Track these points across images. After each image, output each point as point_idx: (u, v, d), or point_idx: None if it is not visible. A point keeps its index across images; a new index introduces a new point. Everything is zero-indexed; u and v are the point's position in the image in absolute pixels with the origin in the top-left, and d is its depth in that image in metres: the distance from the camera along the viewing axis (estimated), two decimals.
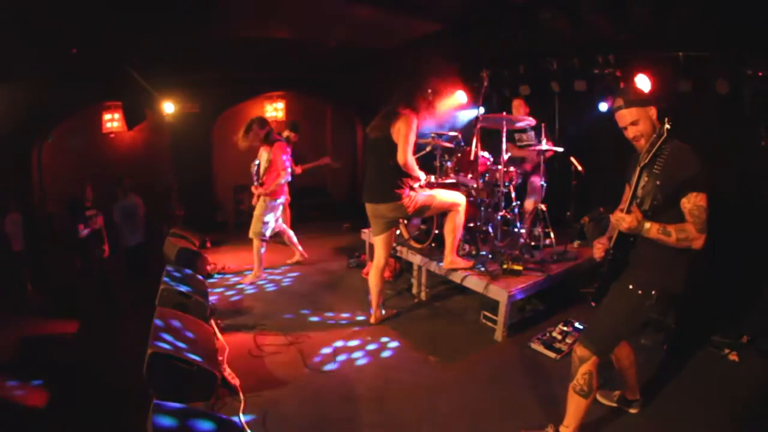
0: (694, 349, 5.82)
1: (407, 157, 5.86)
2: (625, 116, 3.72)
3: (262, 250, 8.04)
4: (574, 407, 3.98)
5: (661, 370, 5.38)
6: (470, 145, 7.33)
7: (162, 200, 11.96)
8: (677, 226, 3.48)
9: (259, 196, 7.95)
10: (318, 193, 7.82)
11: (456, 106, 9.51)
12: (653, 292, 3.71)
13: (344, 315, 6.99)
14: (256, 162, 8.02)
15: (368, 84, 12.06)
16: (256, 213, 7.71)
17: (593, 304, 4.09)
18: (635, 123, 3.69)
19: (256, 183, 7.96)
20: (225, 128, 12.88)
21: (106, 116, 11.77)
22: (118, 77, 9.84)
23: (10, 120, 9.33)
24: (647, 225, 3.48)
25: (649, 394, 4.81)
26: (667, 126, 3.46)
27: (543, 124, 7.62)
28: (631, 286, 3.76)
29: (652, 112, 3.70)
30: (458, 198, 6.47)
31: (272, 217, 7.76)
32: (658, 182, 3.59)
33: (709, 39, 6.33)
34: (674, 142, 3.57)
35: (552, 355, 5.78)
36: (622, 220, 3.50)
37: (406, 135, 5.83)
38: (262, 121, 7.82)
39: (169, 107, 11.05)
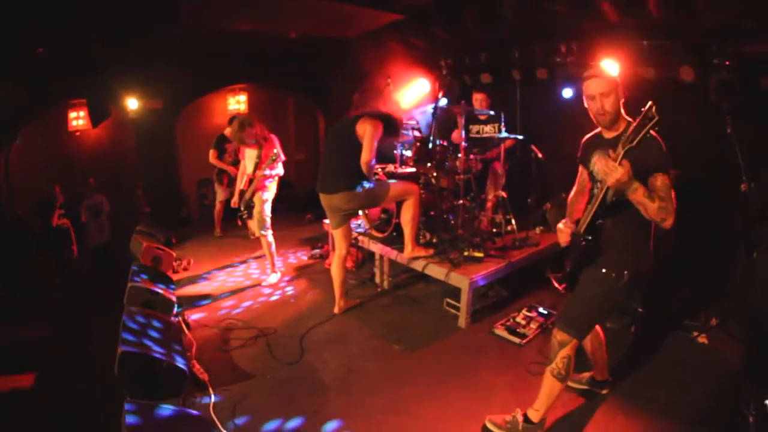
0: (663, 332, 5.93)
1: (371, 157, 5.92)
2: (597, 85, 3.67)
3: (272, 246, 8.00)
4: (548, 390, 4.03)
5: (630, 352, 5.50)
6: (429, 133, 7.40)
7: (128, 197, 11.91)
8: (658, 196, 3.44)
9: (242, 194, 7.89)
10: (281, 183, 7.84)
11: (415, 95, 9.56)
12: (625, 272, 3.77)
13: (309, 306, 7.06)
14: (247, 163, 7.93)
15: (330, 75, 12.09)
16: (256, 210, 7.64)
17: (561, 288, 4.17)
18: (606, 94, 3.65)
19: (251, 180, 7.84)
20: (188, 122, 12.86)
21: (72, 114, 11.64)
22: (82, 74, 9.80)
23: None
24: (635, 185, 3.40)
25: (618, 375, 4.92)
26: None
27: (502, 114, 7.70)
28: (604, 270, 3.81)
29: (621, 91, 3.71)
30: (411, 187, 6.54)
31: (269, 208, 7.73)
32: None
33: (673, 27, 6.42)
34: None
35: (516, 340, 5.87)
36: (614, 170, 3.35)
37: (372, 136, 5.90)
38: (251, 121, 7.72)
39: (132, 103, 11.01)
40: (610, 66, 7.05)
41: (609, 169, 3.37)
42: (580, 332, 3.93)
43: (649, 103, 3.22)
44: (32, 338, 7.07)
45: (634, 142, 3.31)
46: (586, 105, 3.84)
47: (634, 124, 3.29)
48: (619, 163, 3.34)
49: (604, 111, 3.70)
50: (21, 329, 7.58)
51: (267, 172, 7.48)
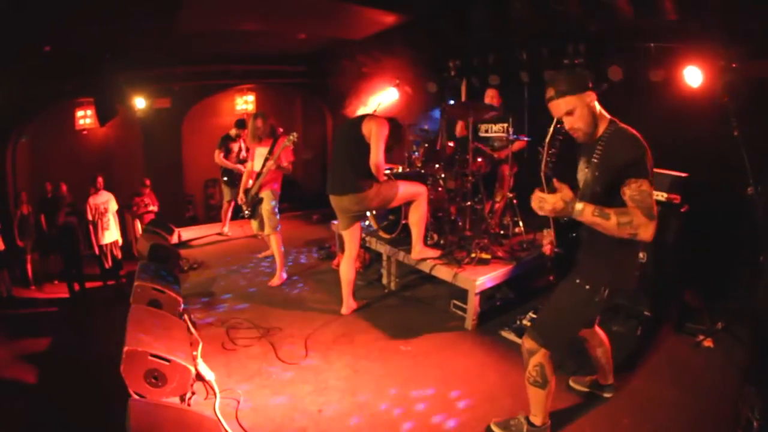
0: (669, 335, 5.91)
1: (379, 157, 5.91)
2: (559, 106, 3.45)
3: (281, 246, 7.94)
4: (533, 398, 3.99)
5: (635, 355, 5.45)
6: (437, 134, 7.39)
7: (135, 196, 11.93)
8: (619, 209, 3.20)
9: (247, 192, 7.87)
10: (288, 183, 7.84)
11: (423, 96, 9.55)
12: (604, 289, 3.58)
13: (315, 306, 7.03)
14: (252, 163, 7.92)
15: (338, 75, 12.09)
16: (265, 209, 7.60)
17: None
18: (570, 113, 3.43)
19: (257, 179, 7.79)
20: (195, 122, 12.90)
21: (79, 113, 11.69)
22: (90, 73, 9.81)
23: None
24: (579, 206, 3.20)
25: (623, 379, 4.89)
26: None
27: (510, 115, 7.68)
28: (578, 280, 3.66)
29: (590, 98, 3.43)
30: (419, 188, 6.53)
31: (277, 206, 7.71)
32: (596, 173, 3.44)
33: (681, 30, 6.40)
34: (615, 125, 3.47)
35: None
36: (543, 201, 3.25)
37: (379, 136, 5.89)
38: (264, 116, 7.70)
39: (140, 102, 11.02)
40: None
41: (537, 199, 3.30)
42: (546, 341, 3.78)
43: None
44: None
45: (589, 150, 3.36)
46: None
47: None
48: (548, 190, 3.25)
49: (573, 129, 3.51)
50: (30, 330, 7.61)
51: (280, 166, 7.49)
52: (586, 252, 3.67)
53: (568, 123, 3.49)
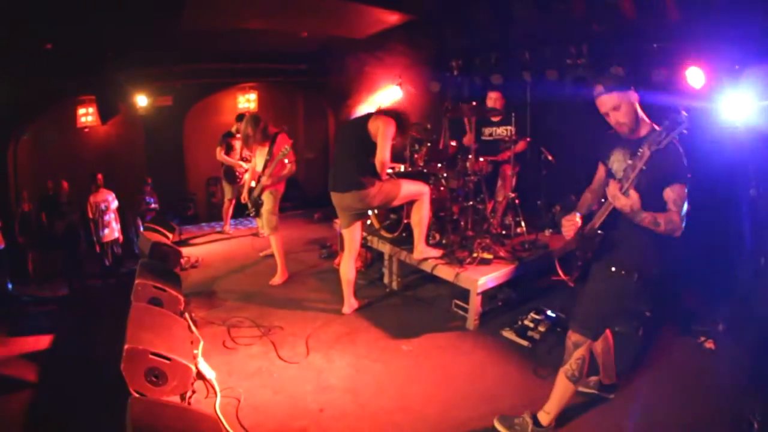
0: (670, 336, 5.90)
1: (385, 155, 5.91)
2: (607, 102, 3.68)
3: (281, 245, 7.89)
4: (561, 392, 4.03)
5: (637, 356, 5.43)
6: (440, 134, 7.38)
7: (136, 194, 11.92)
8: (666, 215, 3.48)
9: (251, 192, 7.85)
10: (290, 182, 7.83)
11: (426, 95, 9.55)
12: (635, 273, 3.74)
13: (317, 305, 7.02)
14: (257, 162, 7.89)
15: (340, 74, 12.08)
16: (265, 209, 7.62)
17: (571, 284, 4.15)
18: (616, 108, 3.66)
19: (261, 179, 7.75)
20: (197, 120, 12.90)
21: (81, 111, 11.67)
22: (92, 71, 9.81)
23: None
24: (643, 214, 3.47)
25: (624, 380, 4.88)
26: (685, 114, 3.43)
27: (513, 115, 7.67)
28: (613, 268, 3.79)
29: (634, 97, 3.68)
30: (422, 188, 6.51)
31: (277, 209, 7.70)
32: (644, 168, 3.47)
33: (684, 30, 6.39)
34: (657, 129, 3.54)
35: (524, 343, 5.83)
36: (618, 199, 3.50)
37: (385, 134, 5.88)
38: (257, 119, 7.69)
39: (142, 100, 11.02)
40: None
41: (615, 196, 3.51)
42: (593, 332, 3.92)
43: (683, 112, 3.21)
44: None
45: (661, 145, 3.34)
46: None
47: (659, 131, 3.30)
48: (625, 193, 3.45)
49: (619, 123, 3.71)
50: (28, 324, 7.60)
51: (275, 177, 7.48)
52: (619, 241, 3.81)
53: (614, 117, 3.72)
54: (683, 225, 3.49)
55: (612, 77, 3.69)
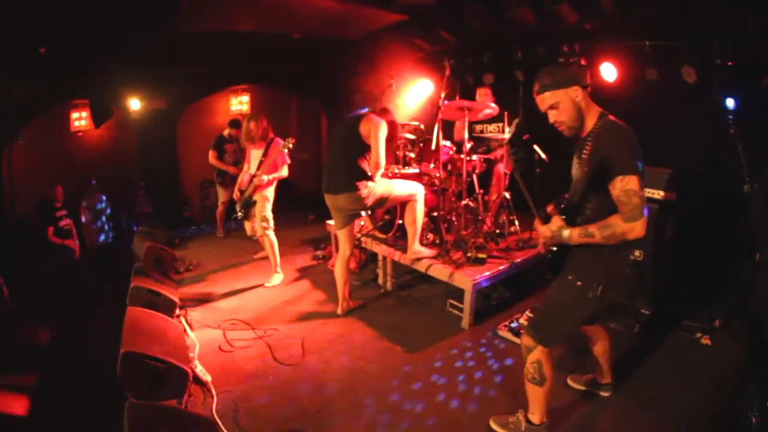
0: (666, 332, 5.92)
1: (381, 157, 5.94)
2: (544, 100, 3.56)
3: (275, 247, 7.93)
4: (531, 395, 4.01)
5: (633, 353, 5.47)
6: (432, 134, 7.40)
7: (130, 198, 11.91)
8: (600, 224, 3.31)
9: (242, 192, 7.85)
10: (283, 183, 7.84)
11: (418, 96, 9.55)
12: (597, 285, 3.57)
13: (311, 307, 7.05)
14: (248, 166, 7.89)
15: (333, 75, 12.08)
16: (258, 210, 7.60)
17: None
18: (554, 107, 3.52)
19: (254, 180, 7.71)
20: (190, 123, 12.85)
21: (74, 114, 11.60)
22: (85, 75, 9.79)
23: None
24: (566, 233, 3.40)
25: (620, 377, 4.90)
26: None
27: (506, 113, 7.69)
28: (570, 277, 3.67)
29: (575, 93, 3.48)
30: (416, 188, 6.54)
31: (270, 208, 7.70)
32: (586, 169, 3.45)
33: (676, 28, 6.41)
34: (604, 119, 3.49)
35: (519, 341, 5.84)
36: (539, 230, 3.51)
37: (378, 135, 5.91)
38: (261, 117, 7.69)
39: (135, 104, 11.00)
40: (608, 70, 7.08)
41: (536, 227, 3.54)
42: (542, 337, 3.82)
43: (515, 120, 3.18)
44: (33, 339, 7.08)
45: (578, 146, 3.47)
46: None
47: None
48: (545, 218, 3.47)
49: (557, 122, 3.60)
50: (22, 330, 7.57)
51: (271, 176, 7.50)
52: (578, 249, 3.61)
53: (552, 117, 3.59)
54: (638, 222, 3.24)
55: (550, 74, 3.52)
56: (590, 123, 3.53)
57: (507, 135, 7.56)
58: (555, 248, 3.71)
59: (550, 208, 3.56)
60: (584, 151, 3.47)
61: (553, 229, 3.41)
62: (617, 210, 3.29)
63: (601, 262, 3.56)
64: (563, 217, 3.51)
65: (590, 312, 3.81)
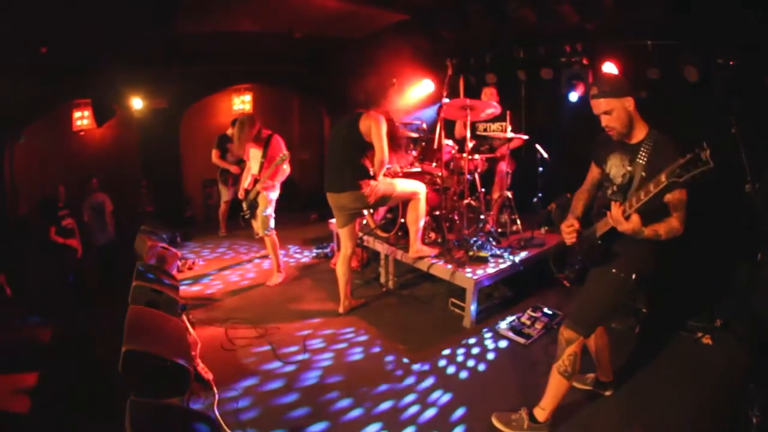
0: (667, 332, 5.93)
1: (385, 154, 5.95)
2: (600, 105, 3.70)
3: (277, 246, 7.95)
4: (555, 388, 4.08)
5: (634, 353, 5.48)
6: (434, 133, 7.40)
7: (132, 197, 11.91)
8: (665, 225, 3.53)
9: (247, 193, 7.87)
10: (285, 183, 7.86)
11: (421, 95, 9.55)
12: (633, 275, 3.81)
13: (313, 306, 7.05)
14: (252, 165, 7.88)
15: (335, 75, 12.08)
16: (260, 210, 7.63)
17: (567, 284, 4.25)
18: (608, 113, 3.68)
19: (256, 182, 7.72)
20: (193, 122, 12.84)
21: (76, 114, 11.57)
22: (87, 74, 9.79)
23: None
24: (645, 232, 3.50)
25: (622, 376, 4.92)
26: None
27: (508, 113, 7.69)
28: (614, 270, 3.83)
29: (629, 103, 3.67)
30: (418, 187, 6.55)
31: (272, 209, 7.71)
32: (644, 173, 3.58)
33: (678, 27, 6.40)
34: (656, 133, 3.68)
35: (521, 340, 5.87)
36: (620, 223, 3.51)
37: (380, 132, 5.92)
38: (252, 120, 7.69)
39: (137, 103, 10.99)
40: (610, 69, 7.06)
41: (617, 221, 3.50)
42: (587, 330, 3.96)
43: (705, 146, 3.20)
44: (36, 338, 7.09)
45: (635, 153, 3.56)
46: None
47: (680, 162, 3.22)
48: (627, 217, 3.46)
49: (609, 127, 3.74)
50: (25, 329, 7.58)
51: (273, 182, 7.51)
52: (622, 245, 3.80)
53: (605, 121, 3.74)
54: (682, 230, 3.54)
55: (608, 82, 3.66)
56: (640, 133, 3.74)
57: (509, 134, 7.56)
58: (600, 242, 3.86)
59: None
60: (640, 157, 3.63)
61: (636, 227, 3.48)
62: (663, 211, 3.56)
63: (642, 255, 3.82)
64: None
65: (624, 300, 4.14)
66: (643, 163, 3.61)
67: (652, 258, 3.86)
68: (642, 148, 3.64)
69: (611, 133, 3.78)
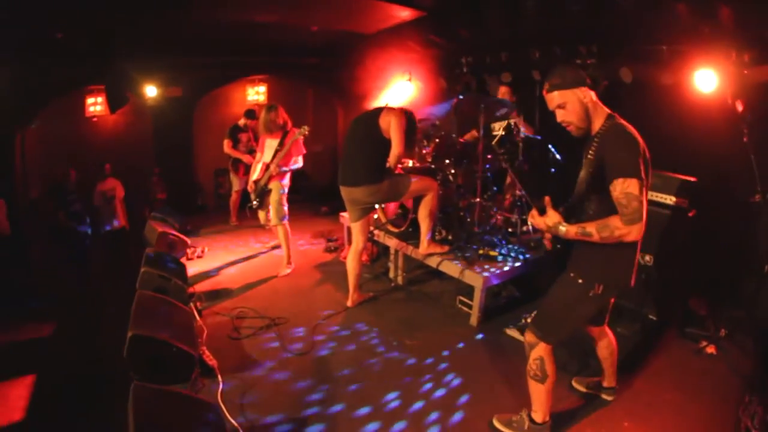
0: (672, 340, 5.89)
1: (401, 149, 5.94)
2: (553, 99, 3.58)
3: (288, 237, 7.96)
4: (533, 392, 4.04)
5: (638, 359, 5.45)
6: (447, 130, 7.38)
7: (143, 184, 11.94)
8: (598, 223, 3.34)
9: (257, 182, 7.90)
10: (297, 175, 7.88)
11: (435, 92, 9.55)
12: (597, 285, 3.62)
13: (321, 298, 7.08)
14: (261, 155, 7.90)
15: (350, 68, 12.08)
16: (273, 199, 7.66)
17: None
18: (562, 106, 3.55)
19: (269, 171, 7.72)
20: (206, 111, 12.88)
21: (89, 100, 11.63)
22: (101, 61, 9.80)
23: None
24: (563, 229, 3.44)
25: (624, 381, 4.89)
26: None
27: (519, 113, 7.67)
28: (572, 274, 3.75)
29: (583, 94, 3.52)
30: (430, 183, 6.53)
31: (285, 198, 7.72)
32: (590, 169, 3.50)
33: (694, 33, 6.36)
34: (611, 121, 3.50)
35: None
36: (534, 220, 3.57)
37: (398, 128, 5.90)
38: (278, 109, 7.70)
39: (151, 91, 11.00)
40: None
41: (531, 217, 3.58)
42: (545, 334, 3.86)
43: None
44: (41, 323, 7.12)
45: (585, 147, 3.53)
46: None
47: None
48: (541, 211, 3.50)
49: (565, 122, 3.61)
50: (32, 314, 7.60)
51: (289, 167, 7.53)
52: (581, 247, 3.71)
53: (560, 116, 3.61)
54: (636, 227, 3.25)
55: (559, 74, 3.55)
56: (597, 124, 3.56)
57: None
58: (559, 245, 3.80)
59: (546, 200, 3.56)
60: (590, 152, 3.52)
61: (549, 223, 3.46)
62: (618, 212, 3.32)
63: (603, 262, 3.62)
64: (560, 211, 3.56)
65: (592, 311, 3.86)
66: (591, 158, 3.52)
67: (621, 266, 3.67)
68: (593, 142, 3.53)
69: (569, 129, 3.64)
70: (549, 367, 3.88)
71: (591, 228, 3.36)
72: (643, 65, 6.91)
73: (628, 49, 7.06)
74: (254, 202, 7.91)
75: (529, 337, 3.95)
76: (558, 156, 7.87)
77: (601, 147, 3.42)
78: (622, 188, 3.23)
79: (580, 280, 3.67)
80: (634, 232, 3.26)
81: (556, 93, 3.56)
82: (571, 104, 3.52)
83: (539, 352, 3.86)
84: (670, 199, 5.97)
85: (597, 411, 4.60)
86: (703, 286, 6.53)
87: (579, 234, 3.40)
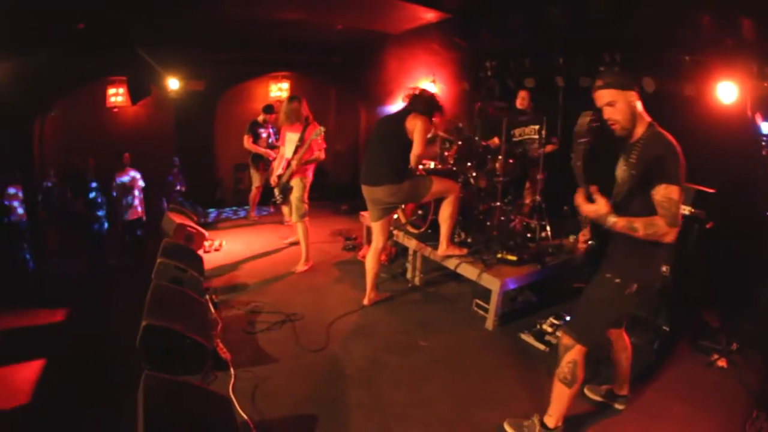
0: (684, 352, 5.85)
1: (421, 150, 5.94)
2: (603, 96, 3.66)
3: (308, 234, 7.96)
4: (557, 395, 4.02)
5: (649, 369, 5.41)
6: (470, 134, 7.36)
7: (163, 175, 11.97)
8: (645, 220, 3.44)
9: (280, 177, 7.91)
10: (318, 173, 7.90)
11: (459, 95, 9.52)
12: (632, 283, 3.70)
13: (338, 296, 7.05)
14: (283, 148, 7.91)
15: (373, 68, 12.07)
16: (295, 196, 7.67)
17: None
18: (611, 104, 3.63)
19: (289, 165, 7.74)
20: (228, 106, 12.91)
21: (111, 90, 11.69)
22: (124, 52, 9.83)
23: (14, 92, 9.26)
24: (613, 219, 3.46)
25: (636, 391, 4.85)
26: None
27: (544, 118, 7.64)
28: (608, 275, 3.78)
29: (632, 97, 3.63)
30: (451, 185, 6.50)
31: (306, 197, 7.73)
32: (633, 172, 3.58)
33: (717, 45, 6.32)
34: (653, 129, 3.61)
35: (541, 347, 5.82)
36: (582, 206, 3.53)
37: (422, 130, 5.91)
38: (300, 99, 7.70)
39: (173, 84, 11.02)
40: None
41: (579, 204, 3.54)
42: (581, 336, 3.88)
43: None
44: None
45: (626, 149, 3.62)
46: None
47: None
48: (589, 198, 3.47)
49: (612, 120, 3.66)
50: (45, 300, 7.64)
51: (310, 157, 7.53)
52: (617, 248, 3.78)
53: (608, 113, 3.66)
54: (675, 230, 3.41)
55: (613, 74, 3.62)
56: (640, 130, 3.65)
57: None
58: (592, 242, 3.88)
59: (594, 188, 3.55)
60: (632, 156, 3.60)
61: (601, 211, 3.45)
62: (652, 213, 3.45)
63: (639, 262, 3.71)
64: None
65: (625, 311, 4.04)
66: (634, 161, 3.61)
67: (655, 266, 3.82)
68: (636, 146, 3.62)
69: (614, 128, 3.69)
70: (579, 372, 3.90)
71: (638, 224, 3.43)
72: (665, 75, 6.87)
73: (651, 58, 7.02)
74: (278, 197, 7.90)
75: (565, 339, 3.95)
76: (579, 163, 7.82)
77: (647, 152, 3.52)
78: (665, 193, 3.37)
79: (617, 280, 3.74)
80: (672, 234, 3.41)
81: (606, 91, 3.64)
82: (620, 104, 3.61)
83: (574, 355, 3.88)
84: (687, 210, 5.92)
85: (608, 419, 4.58)
86: (718, 299, 6.49)
87: (626, 227, 3.44)
